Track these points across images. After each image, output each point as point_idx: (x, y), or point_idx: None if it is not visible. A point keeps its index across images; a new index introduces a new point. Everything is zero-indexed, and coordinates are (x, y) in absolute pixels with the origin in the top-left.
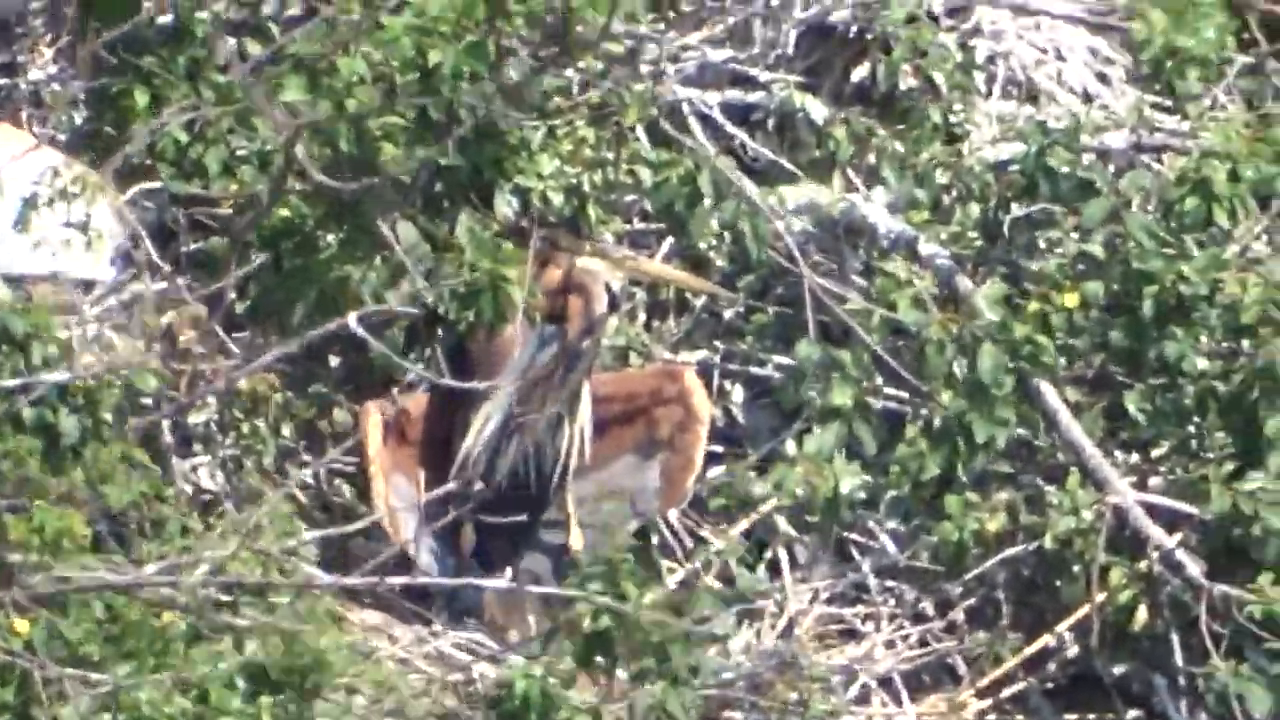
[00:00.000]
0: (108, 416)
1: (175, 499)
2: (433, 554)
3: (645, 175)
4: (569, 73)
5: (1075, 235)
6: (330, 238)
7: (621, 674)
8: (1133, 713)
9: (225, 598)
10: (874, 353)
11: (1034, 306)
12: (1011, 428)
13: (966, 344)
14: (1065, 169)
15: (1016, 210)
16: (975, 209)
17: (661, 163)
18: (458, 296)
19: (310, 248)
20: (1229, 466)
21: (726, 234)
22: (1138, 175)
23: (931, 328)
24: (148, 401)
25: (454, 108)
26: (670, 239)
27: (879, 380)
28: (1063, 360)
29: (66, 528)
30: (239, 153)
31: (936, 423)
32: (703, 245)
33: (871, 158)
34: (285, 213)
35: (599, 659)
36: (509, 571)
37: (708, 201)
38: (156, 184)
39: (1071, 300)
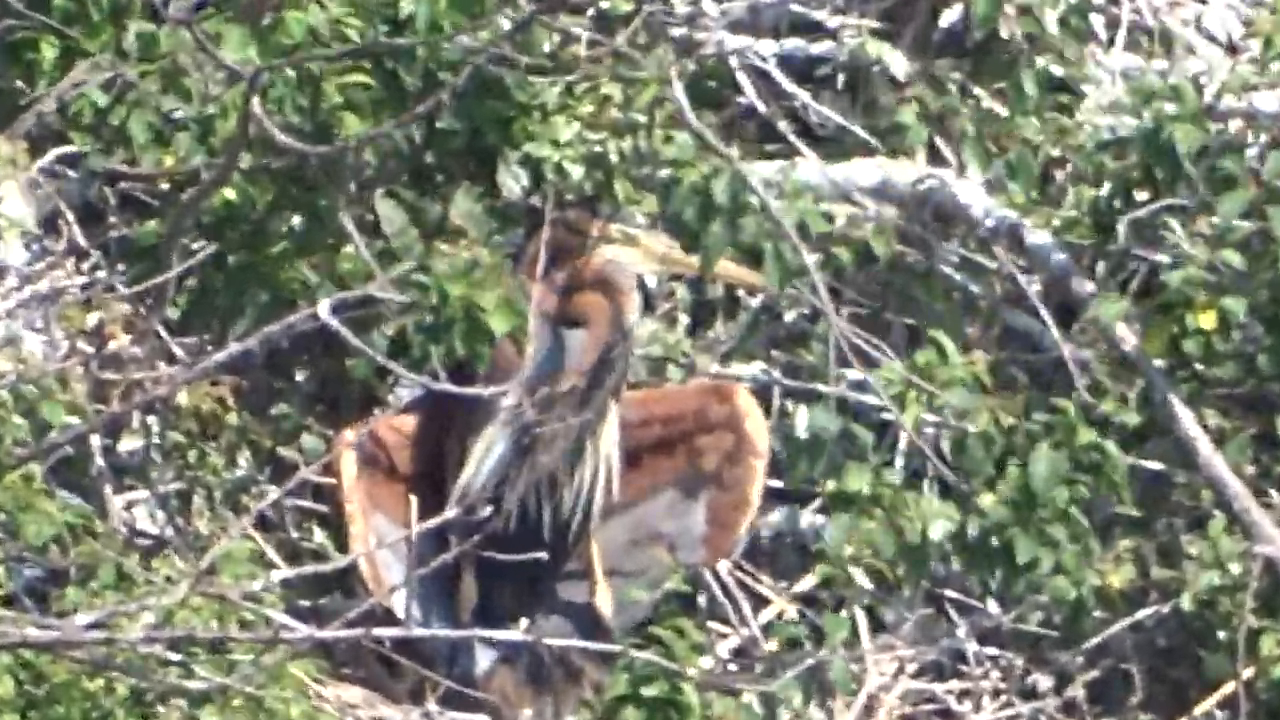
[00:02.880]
0: (14, 448)
1: (109, 537)
2: (425, 610)
3: (684, 144)
4: (588, 15)
5: (1209, 233)
6: (286, 224)
7: None
8: None
9: (174, 656)
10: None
11: (1167, 329)
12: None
13: (1018, 445)
14: (1190, 148)
15: (1140, 204)
16: (1087, 193)
17: (671, 161)
18: (424, 330)
19: (261, 238)
20: None
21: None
22: None
23: (980, 416)
24: (72, 421)
25: (431, 70)
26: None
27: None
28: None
29: None
30: (174, 117)
31: (971, 531)
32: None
33: (962, 126)
34: (231, 195)
35: None
36: (523, 626)
37: (720, 216)
38: (75, 149)
39: (1208, 320)
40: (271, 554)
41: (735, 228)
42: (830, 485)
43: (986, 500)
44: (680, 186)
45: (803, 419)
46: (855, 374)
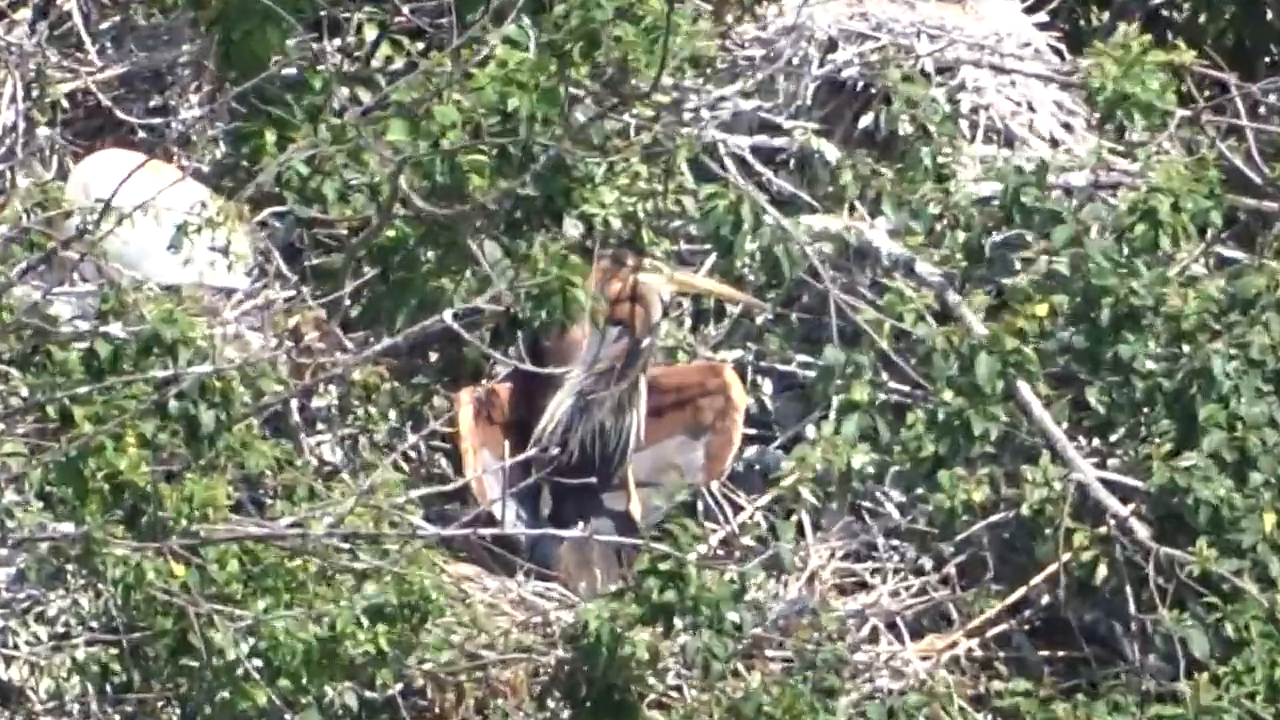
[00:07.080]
0: (241, 408)
1: (303, 468)
2: (516, 514)
3: (689, 205)
4: (626, 118)
5: (1045, 257)
6: (428, 254)
7: (677, 622)
8: (1095, 650)
9: (346, 546)
10: (884, 354)
11: (1015, 322)
12: (1001, 422)
13: (965, 353)
14: (1035, 203)
15: (996, 237)
16: (961, 236)
17: (709, 195)
18: (532, 298)
19: (412, 263)
20: (1168, 448)
21: (759, 254)
22: (1095, 207)
23: (936, 338)
24: (279, 388)
25: (529, 147)
26: (712, 257)
27: (886, 376)
28: (1036, 360)
29: (211, 496)
30: (352, 183)
31: (940, 416)
32: (738, 263)
33: (875, 193)
34: (391, 233)
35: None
36: (580, 526)
37: (747, 228)
38: (283, 208)
39: (1041, 310)
40: (411, 478)
41: (755, 236)
42: (840, 397)
43: (947, 394)
44: (715, 211)
45: (768, 387)
46: (803, 357)
